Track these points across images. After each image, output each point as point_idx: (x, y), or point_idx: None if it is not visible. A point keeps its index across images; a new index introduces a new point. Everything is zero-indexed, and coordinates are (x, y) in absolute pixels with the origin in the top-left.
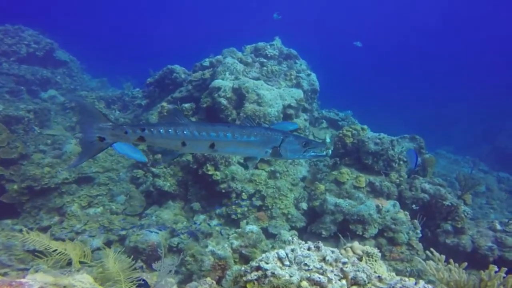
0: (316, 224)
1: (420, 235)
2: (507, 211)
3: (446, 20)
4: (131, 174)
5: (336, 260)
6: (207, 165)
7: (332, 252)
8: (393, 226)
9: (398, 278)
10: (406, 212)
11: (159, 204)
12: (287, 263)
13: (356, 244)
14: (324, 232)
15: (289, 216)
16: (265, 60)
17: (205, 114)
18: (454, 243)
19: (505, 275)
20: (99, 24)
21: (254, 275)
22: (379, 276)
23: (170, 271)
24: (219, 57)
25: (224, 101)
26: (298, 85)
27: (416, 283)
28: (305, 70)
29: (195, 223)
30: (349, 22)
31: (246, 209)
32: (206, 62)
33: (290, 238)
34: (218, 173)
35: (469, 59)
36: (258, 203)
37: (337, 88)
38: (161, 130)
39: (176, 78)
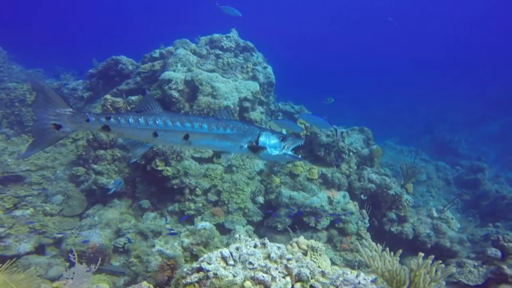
0: (272, 218)
1: (368, 224)
2: (444, 198)
3: (397, 15)
4: (70, 172)
5: (281, 257)
6: (156, 160)
7: (278, 248)
8: (343, 217)
9: (340, 271)
10: (355, 203)
11: (103, 203)
12: (231, 262)
13: (301, 239)
14: (279, 226)
15: (246, 211)
16: (221, 52)
17: None
18: (398, 231)
19: (431, 262)
20: (34, 9)
21: (194, 277)
22: (322, 271)
23: (85, 276)
24: (170, 48)
25: (175, 94)
26: (254, 78)
27: (357, 276)
28: (262, 63)
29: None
30: (303, 15)
31: (201, 205)
32: (156, 53)
33: (237, 236)
34: (169, 168)
35: (415, 53)
36: (214, 198)
37: (292, 81)
38: (129, 119)
39: (123, 69)
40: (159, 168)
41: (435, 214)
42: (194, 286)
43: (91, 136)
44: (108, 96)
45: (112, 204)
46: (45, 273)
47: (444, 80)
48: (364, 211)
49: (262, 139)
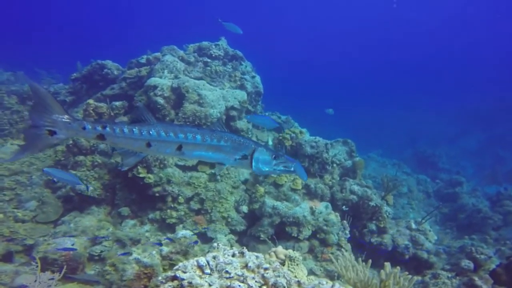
0: (255, 227)
1: (349, 235)
2: (423, 210)
3: (378, 28)
4: (47, 178)
5: (258, 266)
6: (138, 167)
7: (256, 257)
8: (325, 228)
9: (316, 281)
10: (337, 214)
11: (81, 210)
12: (207, 271)
13: (279, 248)
14: (262, 235)
15: (229, 220)
16: (209, 60)
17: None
18: (378, 242)
19: (400, 273)
20: (17, 11)
21: (168, 285)
22: (298, 281)
23: (49, 286)
24: (158, 54)
25: (161, 100)
26: (242, 87)
27: (332, 286)
28: (250, 72)
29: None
30: (292, 25)
31: (183, 213)
32: (143, 59)
33: (216, 244)
34: (151, 176)
35: (400, 68)
36: (197, 206)
37: (280, 92)
38: (124, 129)
39: (108, 74)
40: (141, 175)
41: (414, 226)
42: None
43: (71, 141)
44: (90, 101)
45: (90, 211)
46: (11, 281)
47: (428, 93)
48: (345, 221)
49: (255, 154)
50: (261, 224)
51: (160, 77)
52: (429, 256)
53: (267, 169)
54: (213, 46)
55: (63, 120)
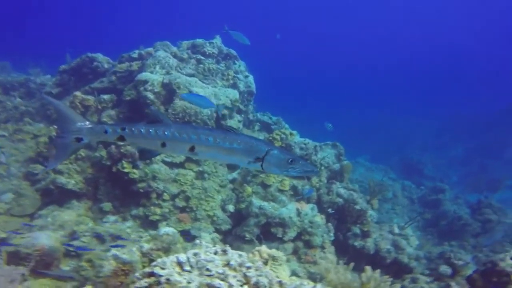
0: (241, 227)
1: (333, 238)
2: (407, 216)
3: (369, 32)
4: (26, 170)
5: (240, 265)
6: (123, 162)
7: (239, 256)
8: (310, 229)
9: (298, 282)
10: (323, 216)
11: (60, 204)
12: (187, 268)
13: (263, 248)
14: (247, 235)
15: (215, 218)
16: (202, 58)
17: (128, 108)
18: (361, 246)
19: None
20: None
21: (145, 282)
22: (280, 281)
23: (13, 280)
24: (150, 49)
25: (150, 96)
26: (234, 86)
27: (314, 287)
28: (243, 71)
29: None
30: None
31: (167, 210)
32: (135, 54)
33: (198, 241)
34: (136, 171)
35: (393, 73)
36: (182, 204)
37: (274, 93)
38: (142, 130)
39: (98, 67)
40: (126, 170)
41: (396, 231)
42: None
43: (54, 133)
44: (78, 93)
45: (70, 205)
46: None
47: (416, 100)
48: (330, 224)
49: (268, 157)
50: (246, 224)
51: (152, 72)
52: (410, 261)
53: (280, 172)
54: (207, 44)
55: (87, 126)
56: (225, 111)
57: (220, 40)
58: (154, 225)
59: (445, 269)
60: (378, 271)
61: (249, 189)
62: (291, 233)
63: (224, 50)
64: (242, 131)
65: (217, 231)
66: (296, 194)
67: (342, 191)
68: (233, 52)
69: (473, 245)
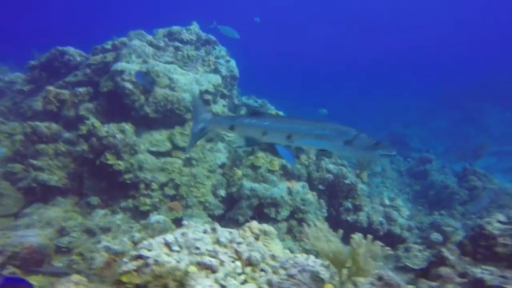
0: (234, 210)
1: (326, 214)
2: (397, 188)
3: (356, 14)
4: (5, 170)
5: (231, 241)
6: (106, 154)
7: (230, 233)
8: (302, 207)
9: (291, 255)
10: (314, 193)
11: (45, 202)
12: (176, 248)
13: (254, 223)
14: (240, 218)
15: (207, 204)
16: (180, 45)
17: (106, 100)
18: (354, 220)
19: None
20: None
21: (132, 265)
22: (273, 255)
23: None
24: (124, 39)
25: (128, 85)
26: (216, 71)
27: (306, 259)
28: (224, 56)
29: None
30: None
31: (157, 199)
32: (109, 45)
33: (185, 222)
34: (120, 162)
35: (378, 52)
36: (172, 192)
37: (259, 77)
38: (247, 121)
39: (70, 60)
40: (110, 162)
41: (387, 202)
42: (132, 274)
43: (29, 130)
44: (51, 88)
45: (55, 202)
46: None
47: (402, 76)
48: (322, 200)
49: (356, 141)
50: (239, 206)
51: (128, 62)
52: (402, 231)
53: (367, 153)
54: (184, 31)
55: (208, 118)
56: (209, 97)
57: (198, 26)
58: (145, 215)
59: (436, 236)
60: (369, 236)
61: (239, 172)
62: (284, 212)
63: (203, 36)
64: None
65: (210, 216)
66: (287, 174)
67: (331, 166)
68: (213, 37)
69: (461, 213)
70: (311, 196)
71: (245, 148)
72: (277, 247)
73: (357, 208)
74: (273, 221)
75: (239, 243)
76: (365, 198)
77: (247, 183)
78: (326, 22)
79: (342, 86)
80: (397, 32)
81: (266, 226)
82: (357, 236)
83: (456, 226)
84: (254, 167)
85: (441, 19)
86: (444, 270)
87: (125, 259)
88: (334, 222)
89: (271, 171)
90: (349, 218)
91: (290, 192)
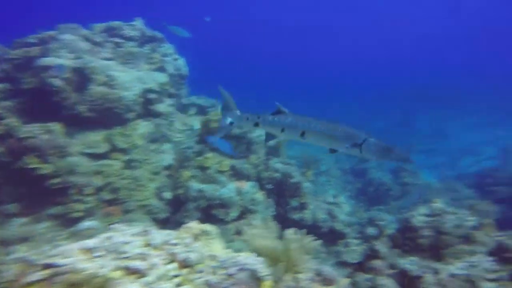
0: (180, 213)
1: (275, 213)
2: (340, 186)
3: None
4: None
5: (165, 243)
6: (28, 157)
7: (166, 235)
8: (251, 207)
9: (233, 254)
10: (263, 192)
11: None
12: (99, 253)
13: (193, 223)
14: (187, 220)
15: (150, 208)
16: (121, 41)
17: (29, 98)
18: (299, 218)
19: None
20: None
21: (41, 274)
22: (213, 255)
23: None
24: (53, 32)
25: (58, 82)
26: (163, 69)
27: (247, 257)
28: (172, 54)
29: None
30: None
31: (92, 205)
32: (32, 39)
33: (113, 225)
34: (47, 165)
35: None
36: (109, 196)
37: (215, 76)
38: (269, 118)
39: None
40: (33, 166)
41: (331, 200)
42: (40, 284)
43: None
44: None
45: None
46: None
47: (346, 79)
48: (270, 200)
49: (364, 145)
50: (186, 208)
51: (58, 57)
52: (343, 228)
53: (376, 158)
54: (126, 27)
55: (237, 114)
56: (153, 95)
57: (142, 22)
58: (77, 222)
59: (371, 231)
60: (304, 231)
61: (187, 173)
62: (234, 213)
63: (147, 32)
64: (175, 115)
65: (155, 220)
66: (236, 174)
67: (279, 166)
68: (159, 35)
69: (396, 208)
70: (260, 195)
71: (194, 149)
72: (218, 247)
73: (302, 206)
74: (221, 222)
75: (174, 245)
76: (310, 196)
77: (195, 185)
78: (282, 23)
79: (288, 86)
80: (342, 35)
81: (206, 226)
82: (289, 232)
83: (389, 220)
84: (203, 168)
85: (382, 25)
86: (376, 263)
87: (34, 269)
88: (283, 220)
89: (220, 172)
90: (295, 217)
91: (239, 192)
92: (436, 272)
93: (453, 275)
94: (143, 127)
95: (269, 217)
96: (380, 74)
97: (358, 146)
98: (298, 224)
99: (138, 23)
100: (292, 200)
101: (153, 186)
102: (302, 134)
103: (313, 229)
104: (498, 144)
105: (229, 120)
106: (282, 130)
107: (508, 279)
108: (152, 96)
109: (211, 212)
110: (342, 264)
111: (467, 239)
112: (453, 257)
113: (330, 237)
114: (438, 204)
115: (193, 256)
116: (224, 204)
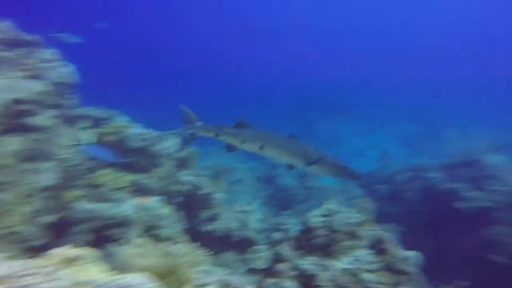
0: (66, 237)
1: (185, 226)
2: (253, 194)
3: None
4: None
5: (11, 276)
6: None
7: (18, 265)
8: (157, 223)
9: (115, 277)
10: (172, 206)
11: None
12: None
13: (62, 249)
14: (73, 245)
15: (20, 235)
16: None
17: None
18: (211, 230)
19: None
20: None
21: None
22: (88, 281)
23: None
24: None
25: None
26: (41, 77)
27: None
28: (55, 60)
29: None
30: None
31: None
32: None
33: None
34: None
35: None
36: None
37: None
38: (230, 131)
39: None
40: None
41: (243, 208)
42: None
43: None
44: None
45: None
46: None
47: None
48: (179, 213)
49: (320, 163)
50: (72, 232)
51: None
52: (254, 235)
53: (329, 175)
54: None
55: (198, 125)
56: (28, 107)
57: (10, 24)
58: None
59: (277, 235)
60: (197, 243)
61: (73, 193)
62: (134, 232)
63: (20, 36)
64: (59, 129)
65: (26, 249)
66: (140, 189)
67: (188, 178)
68: (36, 38)
69: (302, 211)
70: (166, 210)
71: (86, 166)
72: (96, 270)
73: (213, 218)
74: (121, 242)
75: (25, 276)
76: (222, 206)
77: (83, 205)
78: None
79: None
80: (253, 39)
81: (78, 250)
82: (175, 247)
83: (294, 223)
84: (95, 186)
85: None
86: (281, 266)
87: None
88: (195, 234)
89: (117, 189)
90: (206, 229)
91: (142, 208)
92: (327, 269)
93: (342, 270)
94: (13, 143)
95: (178, 231)
96: (294, 81)
97: (313, 164)
98: (209, 236)
99: (5, 24)
100: (202, 212)
101: (25, 211)
102: (261, 148)
103: (225, 238)
104: (381, 147)
105: (189, 131)
106: (243, 142)
107: (385, 269)
108: (26, 107)
109: (104, 233)
110: (252, 271)
111: (352, 235)
112: (342, 253)
113: (243, 245)
114: (331, 204)
115: (56, 285)
116: (121, 223)
